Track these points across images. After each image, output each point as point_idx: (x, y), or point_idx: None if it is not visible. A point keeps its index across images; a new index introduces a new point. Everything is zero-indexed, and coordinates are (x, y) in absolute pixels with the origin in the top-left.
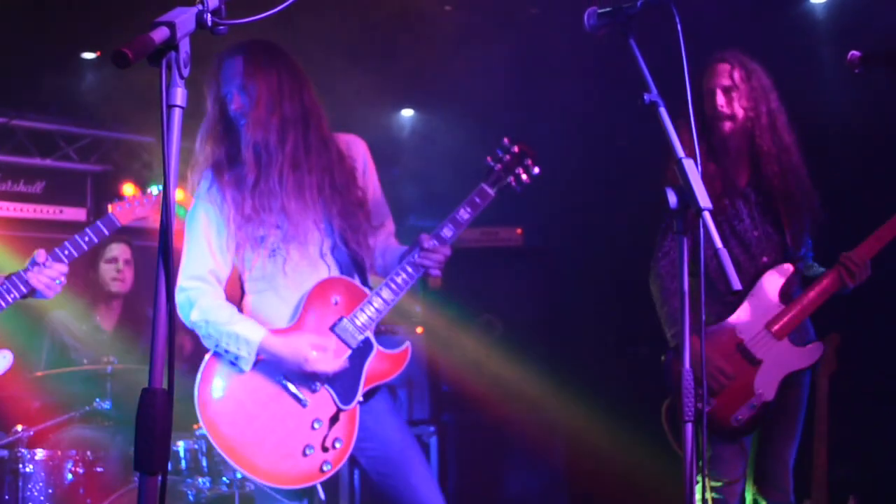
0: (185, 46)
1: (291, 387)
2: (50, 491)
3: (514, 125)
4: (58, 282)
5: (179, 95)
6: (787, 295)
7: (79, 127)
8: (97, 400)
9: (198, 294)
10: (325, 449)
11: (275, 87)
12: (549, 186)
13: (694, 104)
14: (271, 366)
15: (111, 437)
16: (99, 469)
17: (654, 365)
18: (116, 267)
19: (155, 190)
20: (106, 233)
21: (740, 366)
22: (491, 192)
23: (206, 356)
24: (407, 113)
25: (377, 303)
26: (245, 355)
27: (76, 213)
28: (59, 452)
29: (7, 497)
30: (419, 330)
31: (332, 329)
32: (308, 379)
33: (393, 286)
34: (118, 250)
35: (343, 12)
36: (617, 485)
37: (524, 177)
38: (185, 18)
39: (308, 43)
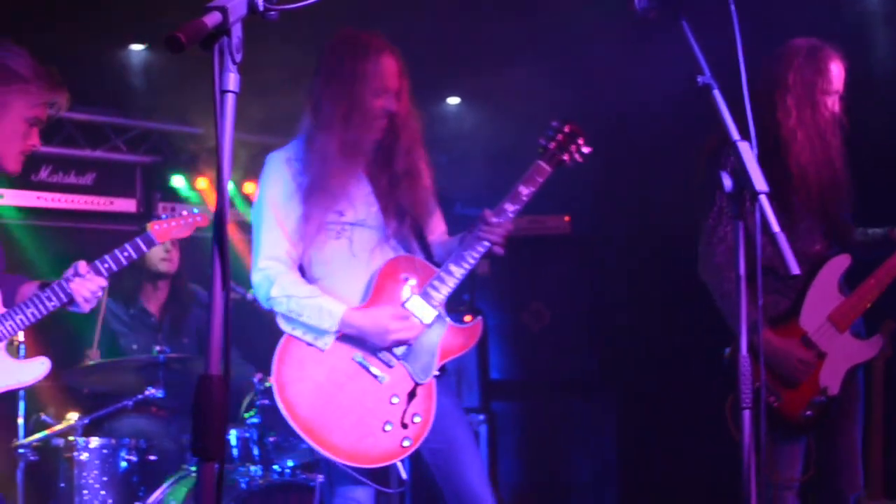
0: (237, 31)
1: (368, 364)
2: (104, 478)
3: (560, 113)
4: (98, 294)
5: (232, 80)
6: (844, 285)
7: (128, 118)
8: (150, 388)
9: (276, 272)
10: (404, 425)
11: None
12: (596, 173)
13: (749, 84)
14: (348, 344)
15: (164, 426)
16: (152, 457)
17: (703, 353)
18: (165, 247)
19: (194, 210)
20: (145, 250)
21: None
22: (548, 167)
23: (281, 339)
24: (453, 101)
25: (447, 278)
26: (328, 327)
27: (126, 204)
28: (113, 440)
29: (62, 485)
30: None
31: (403, 306)
32: (385, 355)
33: (461, 261)
34: None
35: None
36: (668, 473)
37: (577, 155)
38: (237, 3)
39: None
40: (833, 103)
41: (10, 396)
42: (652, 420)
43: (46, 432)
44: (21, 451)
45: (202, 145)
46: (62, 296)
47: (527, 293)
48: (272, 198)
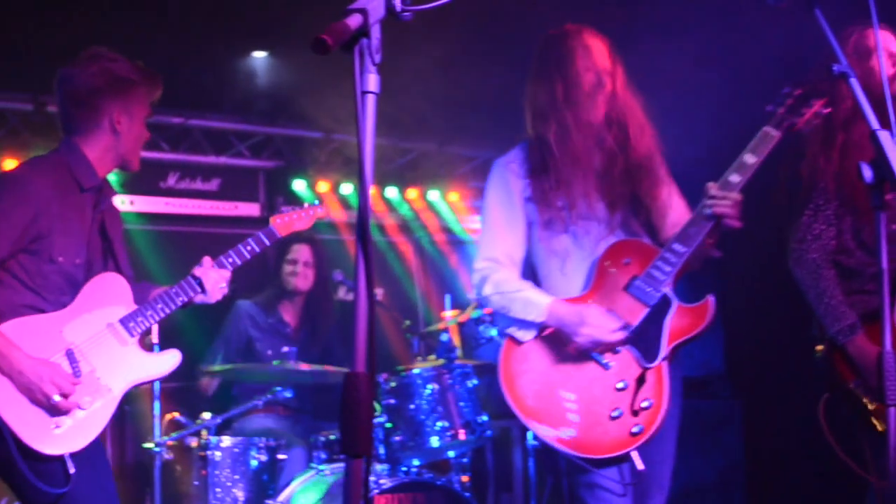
0: (376, 33)
1: (594, 351)
2: (236, 477)
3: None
4: (221, 286)
5: (372, 81)
6: None
7: (251, 125)
8: (279, 389)
9: (490, 271)
10: (634, 412)
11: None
12: (710, 164)
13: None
14: (566, 334)
15: (292, 426)
16: (281, 456)
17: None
18: (295, 269)
19: (315, 202)
20: (267, 243)
21: None
22: (775, 133)
23: (503, 341)
24: None
25: (670, 256)
26: (533, 318)
27: (250, 209)
28: (244, 439)
29: (196, 483)
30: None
31: (626, 289)
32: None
33: (684, 238)
34: (298, 252)
35: None
36: (798, 472)
37: (813, 117)
38: (376, 4)
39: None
40: None
41: (147, 397)
42: (780, 418)
43: (181, 432)
44: (157, 449)
45: (323, 150)
46: (189, 289)
47: None
48: (494, 201)
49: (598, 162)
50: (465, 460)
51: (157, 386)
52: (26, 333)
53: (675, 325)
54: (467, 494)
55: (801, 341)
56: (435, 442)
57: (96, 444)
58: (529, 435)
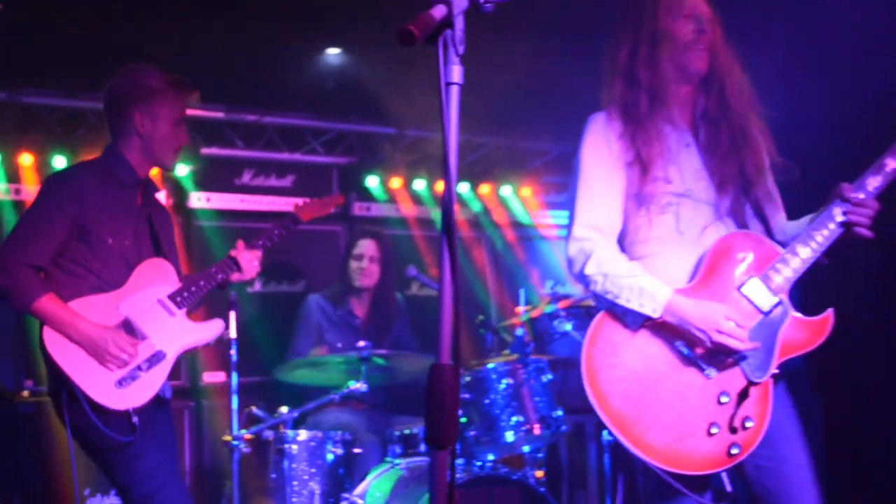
0: (459, 24)
1: (695, 355)
2: (312, 470)
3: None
4: (255, 264)
5: (456, 72)
6: None
7: (324, 121)
8: (354, 383)
9: (593, 245)
10: (732, 429)
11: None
12: (816, 155)
13: None
14: (669, 330)
15: (367, 419)
16: (357, 450)
17: None
18: (360, 264)
19: (337, 193)
20: (292, 228)
21: None
22: None
23: (596, 317)
24: None
25: (793, 262)
26: (649, 312)
27: None
28: (320, 433)
29: (273, 476)
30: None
31: (739, 290)
32: (713, 348)
33: (812, 243)
34: (364, 247)
35: None
36: (879, 463)
37: None
38: None
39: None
40: None
41: (224, 391)
42: (861, 408)
43: (260, 425)
44: (235, 443)
45: (396, 146)
46: (226, 268)
47: None
48: (593, 160)
49: (703, 137)
50: (539, 455)
51: (235, 380)
52: (88, 309)
53: (789, 337)
54: (542, 490)
55: (886, 338)
56: (510, 437)
57: (166, 413)
58: (605, 431)
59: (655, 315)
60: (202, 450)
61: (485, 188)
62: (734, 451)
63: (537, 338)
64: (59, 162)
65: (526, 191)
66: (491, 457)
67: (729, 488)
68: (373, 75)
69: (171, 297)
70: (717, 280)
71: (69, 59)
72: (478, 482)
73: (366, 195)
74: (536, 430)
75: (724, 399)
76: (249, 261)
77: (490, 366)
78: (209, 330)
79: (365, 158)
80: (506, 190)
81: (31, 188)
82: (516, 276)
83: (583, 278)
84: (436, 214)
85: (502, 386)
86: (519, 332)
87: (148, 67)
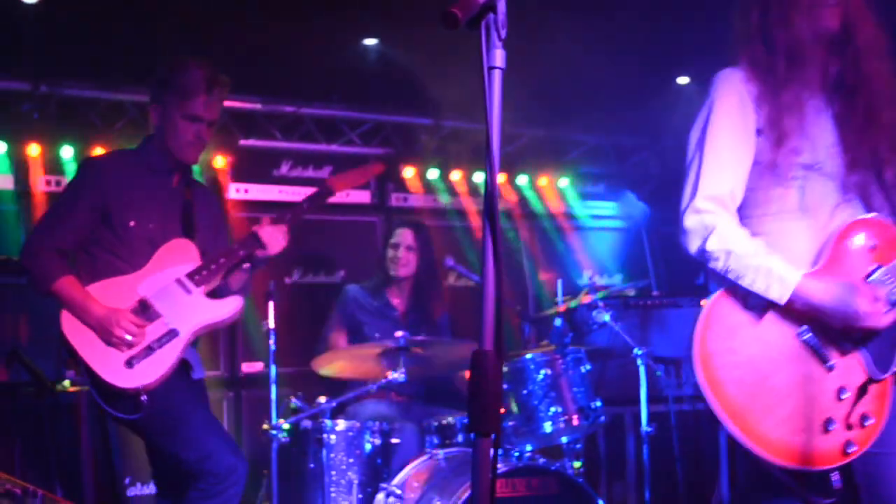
0: (501, 7)
1: (819, 345)
2: (350, 460)
3: None
4: (279, 238)
5: (499, 57)
6: None
7: (361, 112)
8: (392, 373)
9: (715, 219)
10: (849, 426)
11: None
12: None
13: None
14: (793, 315)
15: (405, 410)
16: (394, 440)
17: None
18: (397, 253)
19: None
20: (322, 199)
21: None
22: None
23: (713, 296)
24: (683, 81)
25: None
26: (776, 297)
27: (361, 196)
28: (358, 423)
29: (312, 465)
30: (703, 303)
31: (866, 279)
32: (839, 337)
33: None
34: (401, 236)
35: None
36: None
37: None
38: None
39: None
40: None
41: (264, 381)
42: None
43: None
44: (273, 433)
45: (433, 137)
46: (248, 244)
47: None
48: (724, 122)
49: (837, 100)
50: (577, 446)
51: (273, 371)
52: (108, 290)
53: None
54: (580, 480)
55: None
56: (548, 427)
57: (201, 392)
58: (643, 421)
59: (781, 301)
60: (241, 439)
61: (522, 178)
62: (851, 449)
63: (575, 328)
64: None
65: (563, 181)
66: (529, 447)
67: (838, 485)
68: (410, 66)
69: (190, 275)
70: (844, 267)
71: (108, 52)
72: (516, 473)
73: (403, 186)
74: (575, 420)
75: (844, 395)
76: (272, 234)
77: (528, 356)
78: (225, 307)
79: (402, 150)
80: (543, 180)
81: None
82: (554, 267)
83: (702, 253)
84: (472, 205)
85: (540, 376)
86: (557, 322)
87: (183, 60)
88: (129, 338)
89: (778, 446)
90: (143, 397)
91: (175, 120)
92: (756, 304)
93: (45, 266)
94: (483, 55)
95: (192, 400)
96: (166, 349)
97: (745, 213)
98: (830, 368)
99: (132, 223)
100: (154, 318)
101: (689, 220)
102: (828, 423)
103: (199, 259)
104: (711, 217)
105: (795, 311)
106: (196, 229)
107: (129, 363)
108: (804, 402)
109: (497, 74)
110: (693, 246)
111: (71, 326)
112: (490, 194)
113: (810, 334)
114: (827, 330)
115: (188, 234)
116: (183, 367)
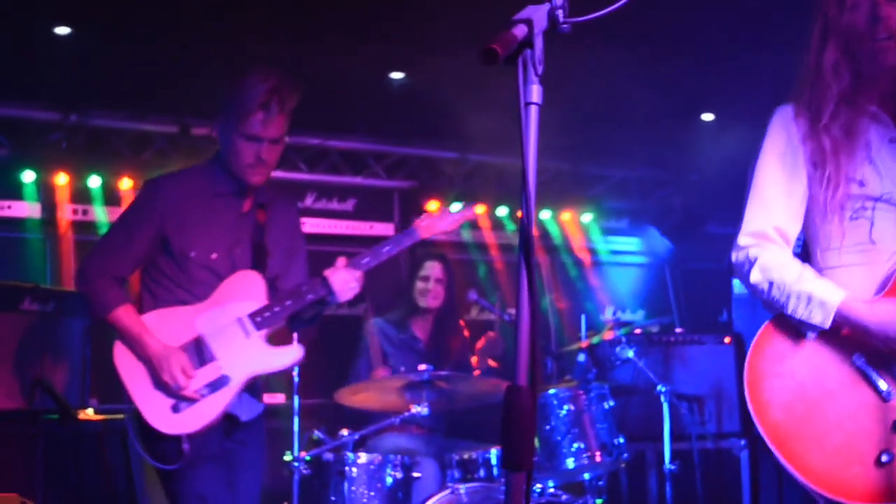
0: (539, 43)
1: (872, 372)
2: (372, 493)
3: None
4: (352, 286)
5: (535, 92)
6: None
7: (386, 145)
8: (415, 406)
9: (756, 251)
10: None
11: None
12: None
13: None
14: (846, 341)
15: (426, 444)
16: (416, 474)
17: None
18: (427, 286)
19: (456, 207)
20: (406, 244)
21: None
22: None
23: (763, 325)
24: (707, 118)
25: None
26: (818, 321)
27: (385, 229)
28: (380, 457)
29: (333, 498)
30: (727, 340)
31: None
32: (895, 364)
33: None
34: (430, 269)
35: None
36: None
37: None
38: (540, 15)
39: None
40: None
41: (285, 412)
42: None
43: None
44: (295, 464)
45: (458, 170)
46: (319, 288)
47: None
48: (771, 158)
49: None
50: (600, 483)
51: (296, 402)
52: (164, 322)
53: None
54: None
55: None
56: (570, 463)
57: (243, 436)
58: (666, 459)
59: (825, 325)
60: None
61: (546, 212)
62: None
63: (598, 364)
64: (126, 185)
65: (587, 215)
66: (551, 483)
67: None
68: (435, 100)
69: (252, 315)
70: None
71: (137, 83)
72: None
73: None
74: (597, 457)
75: None
76: (345, 281)
77: (551, 392)
78: (284, 357)
79: (426, 182)
80: (567, 215)
81: (98, 210)
82: (578, 302)
83: (748, 287)
84: (493, 238)
85: (563, 412)
86: (580, 357)
87: (251, 76)
88: (177, 383)
89: (826, 478)
90: (185, 445)
91: (233, 140)
92: (808, 331)
93: (101, 295)
94: (520, 91)
95: (211, 459)
96: (214, 397)
97: (819, 247)
98: (888, 398)
99: (193, 253)
100: (208, 360)
101: (734, 257)
102: (882, 455)
103: (264, 296)
104: (754, 250)
105: (846, 337)
106: (268, 255)
107: (175, 408)
108: (857, 433)
109: (534, 110)
110: (741, 280)
111: (123, 359)
112: (526, 229)
113: (863, 360)
114: (881, 357)
115: (258, 265)
116: (227, 419)
